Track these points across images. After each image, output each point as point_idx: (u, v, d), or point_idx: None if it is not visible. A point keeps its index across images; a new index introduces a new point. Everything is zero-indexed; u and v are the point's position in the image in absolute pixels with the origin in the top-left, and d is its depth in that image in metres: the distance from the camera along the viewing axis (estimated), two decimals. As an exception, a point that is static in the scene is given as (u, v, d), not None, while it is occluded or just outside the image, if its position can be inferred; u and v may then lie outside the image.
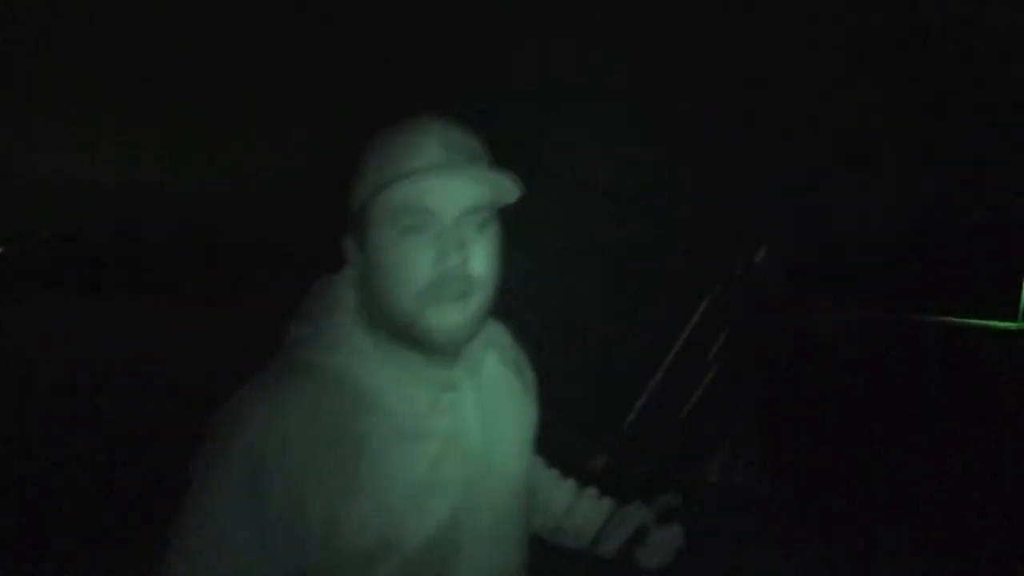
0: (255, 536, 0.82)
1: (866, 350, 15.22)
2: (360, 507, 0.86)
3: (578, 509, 1.28)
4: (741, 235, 1.02)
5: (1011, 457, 7.27)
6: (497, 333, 1.15)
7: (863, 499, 5.74)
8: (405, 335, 0.90)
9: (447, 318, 0.87)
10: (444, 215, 0.86)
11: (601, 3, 6.04)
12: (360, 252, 0.92)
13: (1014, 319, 19.48)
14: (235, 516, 0.82)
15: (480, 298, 0.90)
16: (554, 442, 1.36)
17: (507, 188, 0.90)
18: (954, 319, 19.23)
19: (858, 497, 5.76)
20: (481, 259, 0.89)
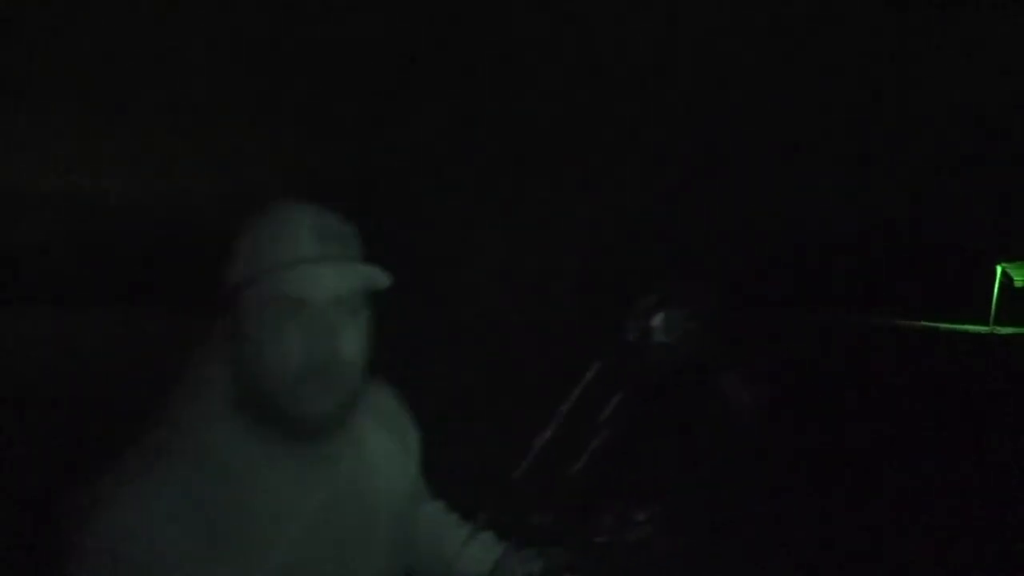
0: None
1: (840, 353, 15.39)
2: None
3: (467, 555, 1.26)
4: (643, 296, 0.97)
5: (984, 458, 7.35)
6: (380, 398, 1.16)
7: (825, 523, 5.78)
8: (277, 417, 0.90)
9: (319, 403, 0.90)
10: (316, 303, 0.89)
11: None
12: (233, 333, 0.92)
13: (985, 323, 19.84)
14: None
15: (352, 381, 0.93)
16: (443, 496, 1.34)
17: (376, 276, 0.94)
18: (927, 323, 19.55)
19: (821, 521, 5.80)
20: (352, 344, 0.92)
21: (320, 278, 0.89)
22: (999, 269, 19.54)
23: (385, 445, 1.11)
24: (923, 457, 7.48)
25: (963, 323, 19.66)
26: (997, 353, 16.98)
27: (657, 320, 0.95)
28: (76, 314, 19.16)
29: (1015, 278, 19.61)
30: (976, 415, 10.24)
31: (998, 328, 19.54)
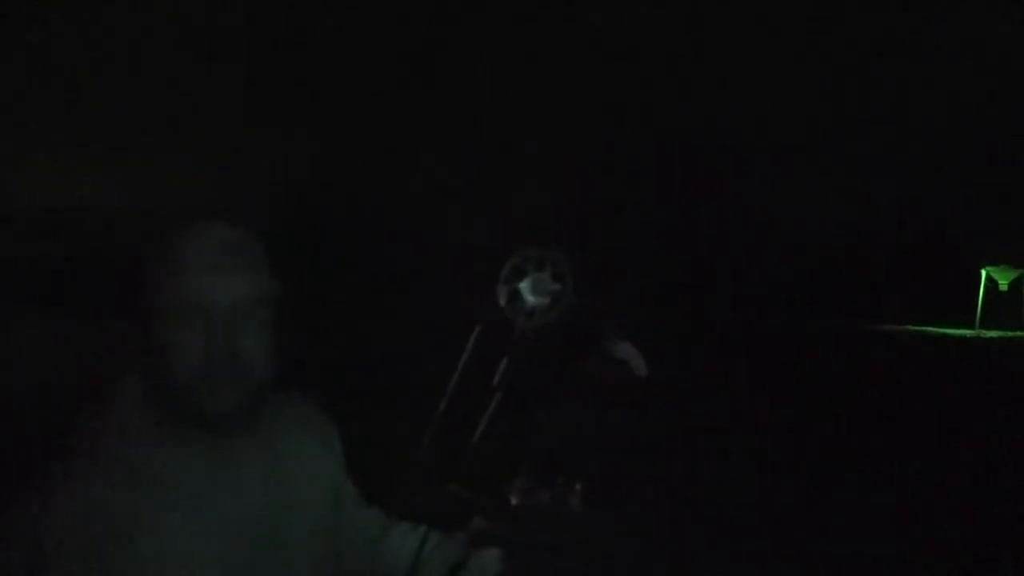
0: None
1: (826, 357, 15.39)
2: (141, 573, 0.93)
3: (390, 544, 1.30)
4: (505, 262, 1.04)
5: (971, 459, 7.35)
6: (296, 403, 1.24)
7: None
8: (186, 411, 0.99)
9: (219, 397, 0.98)
10: (216, 307, 0.98)
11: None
12: (145, 337, 1.01)
13: (971, 327, 19.94)
14: None
15: (251, 378, 1.01)
16: (360, 475, 1.39)
17: (271, 287, 1.05)
18: (913, 327, 19.66)
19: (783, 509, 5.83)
20: (250, 345, 1.00)
21: (219, 285, 0.98)
22: (984, 273, 19.70)
23: (302, 447, 1.17)
24: (910, 459, 7.50)
25: (949, 326, 19.74)
26: (983, 355, 17.09)
27: (524, 284, 1.03)
28: (54, 329, 18.98)
29: (1000, 282, 19.76)
30: (963, 417, 10.26)
31: (984, 331, 19.65)
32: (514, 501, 1.19)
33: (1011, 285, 19.80)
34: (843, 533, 5.16)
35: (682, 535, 5.07)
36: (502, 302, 1.03)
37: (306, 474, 1.15)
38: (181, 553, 0.95)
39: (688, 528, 5.26)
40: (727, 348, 15.49)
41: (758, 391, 11.36)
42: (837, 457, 7.59)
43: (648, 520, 5.01)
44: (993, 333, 19.32)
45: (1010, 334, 19.20)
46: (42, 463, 0.96)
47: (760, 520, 5.48)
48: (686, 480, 6.31)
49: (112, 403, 1.01)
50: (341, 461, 1.27)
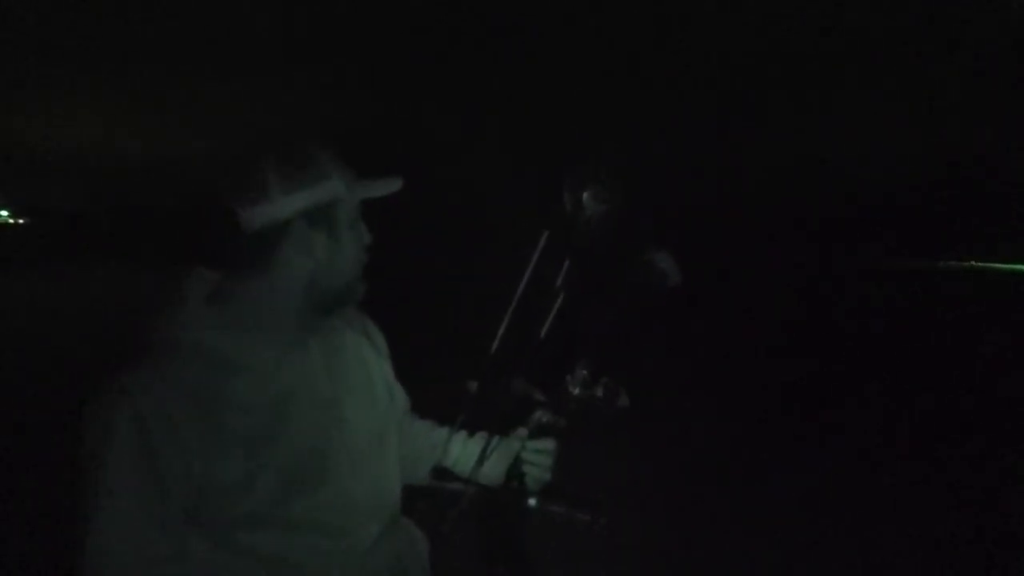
0: (154, 486, 1.00)
1: (890, 295, 15.18)
2: (228, 446, 1.04)
3: (455, 443, 1.45)
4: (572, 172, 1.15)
5: None
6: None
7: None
8: (330, 304, 1.20)
9: (360, 293, 1.25)
10: (354, 214, 1.20)
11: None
12: (279, 251, 1.13)
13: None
14: (134, 474, 1.00)
15: None
16: (432, 373, 1.51)
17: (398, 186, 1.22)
18: (976, 263, 19.09)
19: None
20: None
21: (368, 192, 1.18)
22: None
23: (354, 342, 1.32)
24: (975, 398, 7.50)
25: (1015, 263, 19.23)
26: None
27: (587, 193, 1.14)
28: (92, 280, 19.62)
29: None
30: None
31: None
32: (576, 392, 1.31)
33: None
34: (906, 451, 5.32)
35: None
36: (568, 208, 1.14)
37: (359, 365, 1.30)
38: (267, 424, 1.08)
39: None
40: (792, 281, 15.36)
41: (823, 324, 11.31)
42: (898, 382, 7.67)
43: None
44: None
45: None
46: (128, 354, 1.08)
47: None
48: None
49: (184, 300, 1.14)
50: (389, 364, 1.42)
